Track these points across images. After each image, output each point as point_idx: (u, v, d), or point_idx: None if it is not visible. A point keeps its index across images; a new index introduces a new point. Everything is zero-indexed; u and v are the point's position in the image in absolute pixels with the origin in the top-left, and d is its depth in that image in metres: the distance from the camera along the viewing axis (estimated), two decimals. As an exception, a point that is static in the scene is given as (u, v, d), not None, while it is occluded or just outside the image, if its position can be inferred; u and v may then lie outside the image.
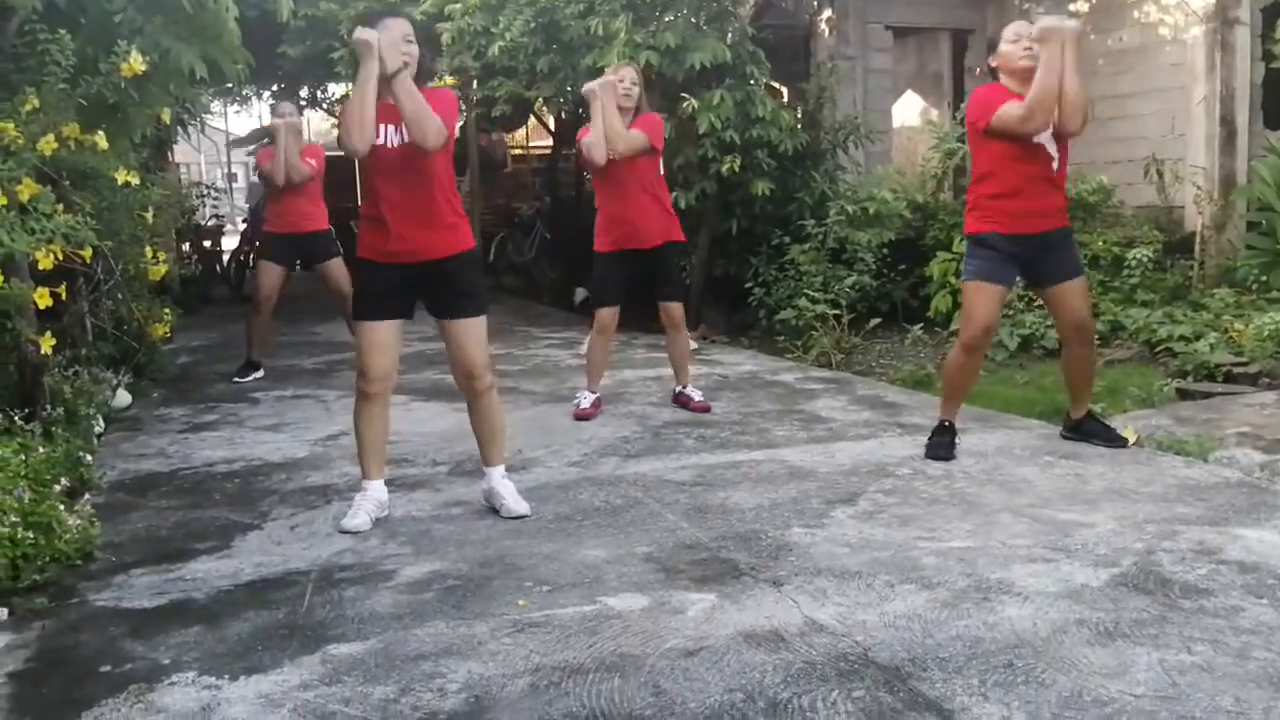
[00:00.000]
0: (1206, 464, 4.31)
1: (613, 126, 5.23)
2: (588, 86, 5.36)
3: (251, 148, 13.47)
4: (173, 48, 4.88)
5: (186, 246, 12.56)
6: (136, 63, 4.46)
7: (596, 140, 5.24)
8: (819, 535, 3.60)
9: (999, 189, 4.44)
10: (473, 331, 3.88)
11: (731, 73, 7.80)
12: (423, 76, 3.79)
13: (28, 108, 4.23)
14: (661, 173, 5.55)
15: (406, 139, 3.69)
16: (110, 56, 4.52)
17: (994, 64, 4.55)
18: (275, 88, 14.61)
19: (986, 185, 4.50)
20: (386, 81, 3.67)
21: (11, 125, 4.05)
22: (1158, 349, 6.61)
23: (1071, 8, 9.73)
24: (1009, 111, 4.31)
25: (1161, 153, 8.93)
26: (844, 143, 8.87)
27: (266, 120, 8.33)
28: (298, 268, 7.37)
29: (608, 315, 5.53)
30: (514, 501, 3.90)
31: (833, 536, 3.58)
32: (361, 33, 3.67)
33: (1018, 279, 4.70)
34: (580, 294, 10.11)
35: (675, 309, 5.60)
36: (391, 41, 3.66)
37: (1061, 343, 4.84)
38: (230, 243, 13.56)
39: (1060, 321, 4.73)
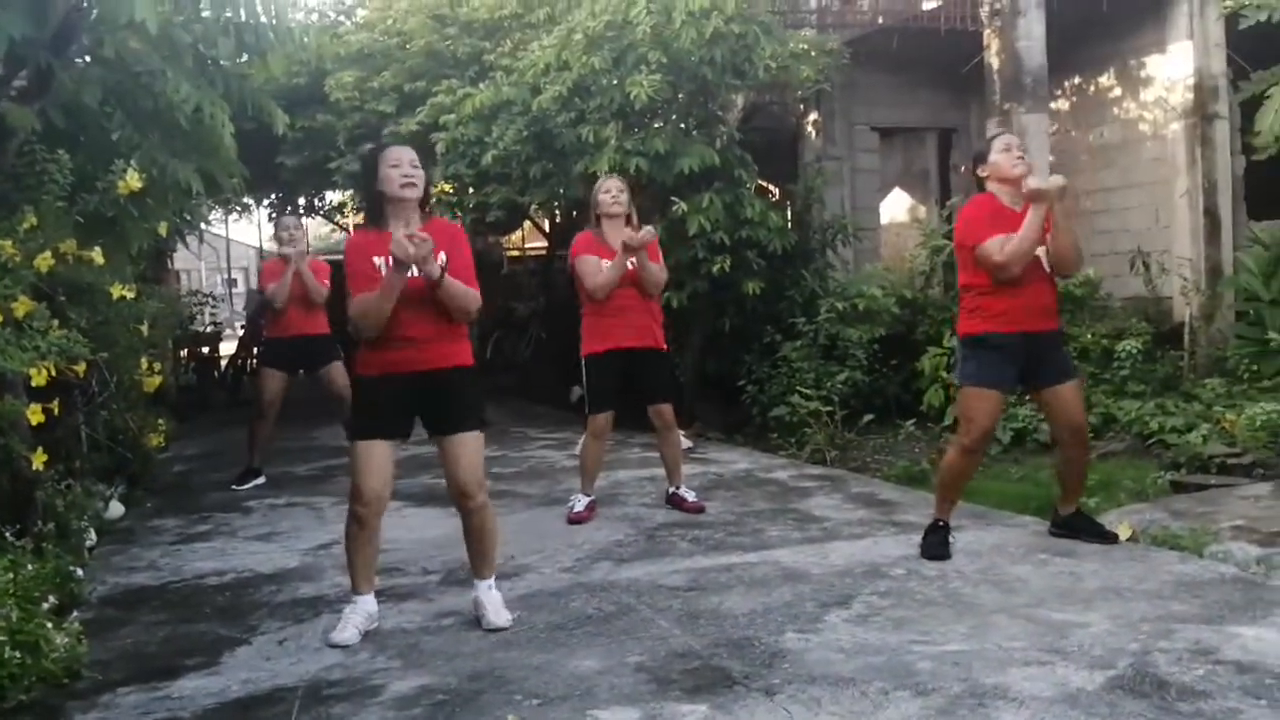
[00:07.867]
0: (1202, 559, 4.29)
1: (655, 281, 5.46)
2: (629, 240, 5.32)
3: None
4: (169, 164, 4.99)
5: (184, 354, 12.58)
6: (133, 180, 4.56)
7: (605, 284, 5.36)
8: (813, 640, 3.56)
9: (992, 290, 4.44)
10: (468, 448, 3.85)
11: (720, 176, 7.96)
12: (426, 201, 3.90)
13: (26, 225, 4.31)
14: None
15: (412, 273, 3.70)
16: (108, 174, 4.62)
17: (984, 174, 4.58)
18: (274, 196, 14.84)
19: (978, 288, 4.50)
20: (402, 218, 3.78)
21: (9, 243, 4.12)
22: (1150, 441, 6.61)
23: (1053, 105, 9.96)
24: (988, 253, 4.37)
25: (1147, 245, 9.07)
26: (832, 241, 8.99)
27: (265, 228, 8.48)
28: (300, 373, 7.37)
29: (602, 420, 5.54)
30: (494, 614, 3.85)
31: (826, 641, 3.55)
32: (400, 249, 3.57)
33: (1016, 385, 4.67)
34: (576, 392, 10.13)
35: (665, 410, 5.61)
36: (428, 253, 3.61)
37: (1056, 444, 4.81)
38: (228, 348, 13.62)
39: (1055, 424, 4.68)
